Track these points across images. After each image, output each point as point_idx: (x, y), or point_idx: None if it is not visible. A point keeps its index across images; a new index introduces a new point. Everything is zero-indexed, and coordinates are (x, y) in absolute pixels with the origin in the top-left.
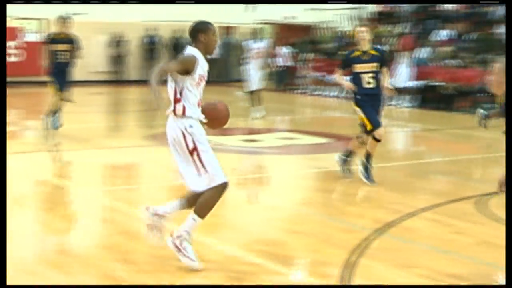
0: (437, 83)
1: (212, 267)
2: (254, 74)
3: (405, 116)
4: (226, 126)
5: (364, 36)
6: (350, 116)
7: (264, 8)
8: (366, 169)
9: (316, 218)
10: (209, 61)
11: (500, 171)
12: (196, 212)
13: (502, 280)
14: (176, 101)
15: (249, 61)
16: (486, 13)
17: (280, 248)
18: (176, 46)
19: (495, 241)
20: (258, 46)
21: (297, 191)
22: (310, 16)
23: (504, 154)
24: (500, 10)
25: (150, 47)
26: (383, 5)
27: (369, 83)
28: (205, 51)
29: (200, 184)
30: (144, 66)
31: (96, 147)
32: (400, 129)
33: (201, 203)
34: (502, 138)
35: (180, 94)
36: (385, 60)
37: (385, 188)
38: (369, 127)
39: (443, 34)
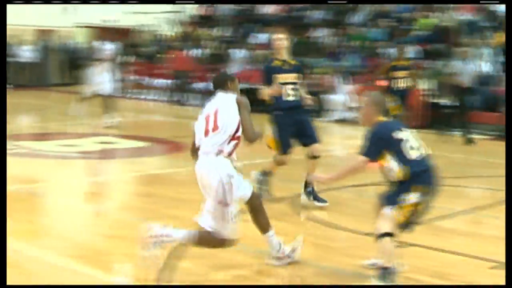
0: (255, 86)
1: (30, 273)
2: (103, 77)
3: None
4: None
5: (283, 44)
6: (169, 119)
7: (84, 10)
8: (310, 193)
9: (134, 223)
10: (26, 65)
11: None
12: (194, 238)
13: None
14: (234, 138)
15: (97, 64)
16: (303, 17)
17: (98, 253)
18: None
19: (310, 239)
20: (108, 48)
21: (116, 196)
22: (130, 19)
23: (323, 154)
24: (317, 14)
25: None
26: (203, 8)
27: (289, 95)
28: None
29: (221, 228)
30: None
31: None
32: None
33: (203, 238)
34: (326, 140)
35: (238, 132)
36: (303, 71)
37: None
38: (275, 150)
39: (261, 37)
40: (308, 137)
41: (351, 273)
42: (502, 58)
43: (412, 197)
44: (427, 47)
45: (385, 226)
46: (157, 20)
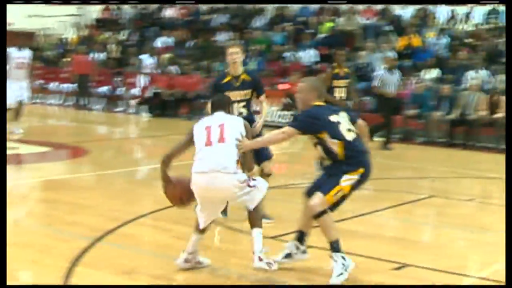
0: (159, 90)
1: None
2: (14, 86)
3: (130, 123)
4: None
5: (237, 58)
6: (71, 124)
7: None
8: None
9: (35, 229)
10: None
11: None
12: (258, 226)
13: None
14: (237, 161)
15: (15, 72)
16: (207, 21)
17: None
18: None
19: (214, 244)
20: (22, 55)
21: (17, 202)
22: (31, 22)
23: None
24: (221, 18)
25: None
26: (106, 12)
27: (240, 113)
28: None
29: (257, 197)
30: None
31: None
32: (123, 136)
33: (256, 215)
34: None
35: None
36: (259, 86)
37: (105, 195)
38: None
39: (163, 41)
40: (259, 155)
41: (253, 276)
42: (404, 62)
43: (348, 179)
44: (329, 50)
45: (318, 205)
46: (60, 24)
